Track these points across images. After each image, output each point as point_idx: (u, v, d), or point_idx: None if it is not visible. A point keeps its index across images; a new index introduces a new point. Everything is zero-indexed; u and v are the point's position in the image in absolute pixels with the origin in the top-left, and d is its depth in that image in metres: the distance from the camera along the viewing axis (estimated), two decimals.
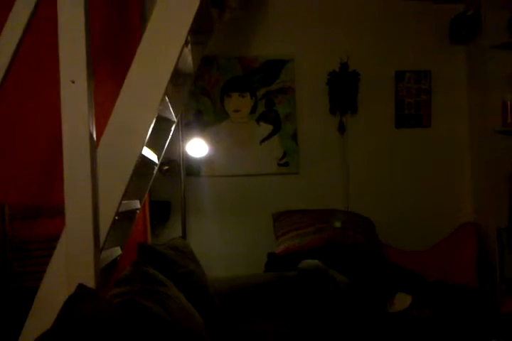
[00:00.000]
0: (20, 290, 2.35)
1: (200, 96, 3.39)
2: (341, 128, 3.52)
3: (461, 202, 3.62)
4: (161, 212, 3.21)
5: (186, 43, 2.01)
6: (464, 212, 3.59)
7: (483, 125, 3.44)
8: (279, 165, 3.48)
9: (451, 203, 3.62)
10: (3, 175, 2.50)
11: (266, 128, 3.47)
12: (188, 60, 2.46)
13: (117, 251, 1.99)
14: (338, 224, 3.05)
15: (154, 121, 1.61)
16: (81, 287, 1.17)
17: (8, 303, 2.32)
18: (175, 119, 2.59)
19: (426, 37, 3.60)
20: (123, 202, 1.58)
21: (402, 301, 2.65)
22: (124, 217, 1.98)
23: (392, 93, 3.59)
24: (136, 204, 2.20)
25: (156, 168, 2.45)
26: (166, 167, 3.17)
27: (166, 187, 3.23)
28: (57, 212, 1.84)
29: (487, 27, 3.35)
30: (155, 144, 2.34)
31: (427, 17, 3.59)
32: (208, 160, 3.37)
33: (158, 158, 2.44)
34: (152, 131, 1.63)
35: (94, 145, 1.49)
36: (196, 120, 3.39)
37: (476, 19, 3.40)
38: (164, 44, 1.56)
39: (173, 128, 2.60)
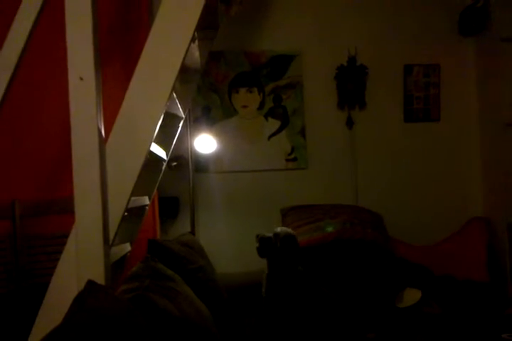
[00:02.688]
0: (30, 287, 2.37)
1: (207, 91, 3.40)
2: (349, 123, 3.51)
3: (470, 197, 3.60)
4: (169, 208, 3.22)
5: (193, 39, 2.00)
6: (473, 206, 3.57)
7: (493, 118, 3.42)
8: (288, 160, 3.47)
9: (461, 198, 3.60)
10: (13, 171, 2.52)
11: (274, 124, 3.46)
12: (196, 56, 2.45)
13: (127, 247, 1.99)
14: (330, 229, 3.03)
15: (162, 117, 1.61)
16: (90, 283, 1.17)
17: (19, 300, 2.34)
18: (183, 115, 2.59)
19: (435, 30, 3.57)
20: (132, 198, 1.59)
21: (412, 296, 2.64)
22: (133, 213, 1.98)
23: (401, 87, 3.57)
24: (145, 200, 2.21)
25: (165, 164, 2.45)
26: (175, 163, 3.18)
27: (174, 183, 3.23)
28: (67, 208, 1.85)
29: (497, 19, 3.32)
30: (163, 140, 2.35)
31: (436, 10, 3.56)
32: (216, 156, 3.38)
33: (167, 154, 2.44)
34: (160, 127, 1.63)
35: (102, 142, 1.50)
36: (204, 116, 3.39)
37: (486, 11, 3.37)
38: (171, 40, 1.56)
39: (181, 124, 2.60)
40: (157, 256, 1.98)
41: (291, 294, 2.39)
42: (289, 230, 2.61)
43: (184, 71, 2.30)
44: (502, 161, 3.32)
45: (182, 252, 2.25)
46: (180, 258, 2.18)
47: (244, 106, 3.45)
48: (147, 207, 2.24)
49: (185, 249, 2.32)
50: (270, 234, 2.55)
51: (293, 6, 3.47)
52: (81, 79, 1.44)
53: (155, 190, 2.41)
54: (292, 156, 3.47)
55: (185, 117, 2.72)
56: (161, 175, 2.41)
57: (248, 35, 3.47)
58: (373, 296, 2.63)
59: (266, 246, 2.49)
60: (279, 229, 2.59)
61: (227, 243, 3.32)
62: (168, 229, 3.25)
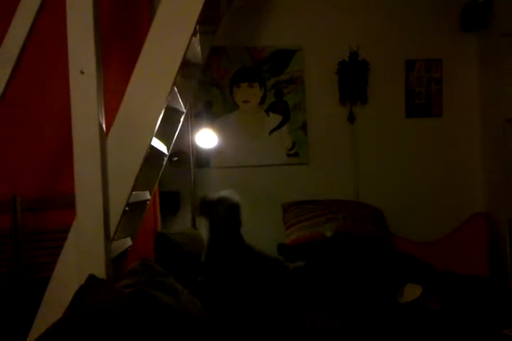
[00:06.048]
0: (32, 281, 2.37)
1: (209, 86, 3.39)
2: (351, 118, 3.50)
3: (472, 193, 3.59)
4: (170, 202, 3.22)
5: (195, 33, 1.99)
6: (475, 202, 3.56)
7: (494, 114, 3.41)
8: (289, 155, 3.47)
9: (463, 193, 3.59)
10: (15, 166, 2.51)
11: (275, 119, 3.46)
12: (197, 50, 2.44)
13: (128, 241, 1.99)
14: (328, 234, 3.03)
15: (163, 111, 1.60)
16: (91, 277, 1.18)
17: (20, 294, 2.35)
18: (184, 110, 2.58)
19: (437, 25, 3.56)
20: (133, 193, 1.58)
21: (412, 292, 2.64)
22: (134, 208, 1.98)
23: (403, 82, 3.56)
24: (146, 195, 2.20)
25: (166, 158, 2.45)
26: (176, 158, 3.17)
27: (175, 178, 3.23)
28: (68, 203, 1.85)
29: (499, 14, 3.30)
30: (164, 135, 2.34)
31: (438, 5, 3.54)
32: (217, 151, 3.37)
33: (168, 149, 2.44)
34: (161, 122, 1.62)
35: (103, 137, 1.49)
36: (205, 111, 3.38)
37: (488, 6, 3.35)
38: (173, 34, 1.55)
39: (182, 119, 2.60)
40: (163, 250, 1.99)
41: (230, 259, 2.39)
42: (233, 197, 2.60)
43: (185, 65, 2.29)
44: (503, 157, 3.32)
45: (188, 247, 2.25)
46: (186, 253, 2.19)
47: (246, 101, 3.44)
48: (148, 202, 2.24)
49: (190, 243, 2.33)
50: (213, 198, 2.55)
51: (295, 1, 3.46)
52: (82, 72, 1.44)
53: (156, 185, 2.41)
54: (293, 151, 3.47)
55: (187, 112, 2.71)
56: (162, 169, 2.41)
57: (250, 30, 3.45)
58: (374, 291, 2.62)
59: (205, 208, 2.50)
60: (223, 193, 2.58)
61: None
62: (169, 223, 3.25)
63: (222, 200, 2.54)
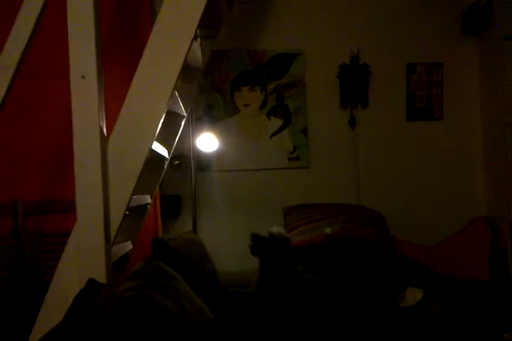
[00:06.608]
0: (33, 285, 2.37)
1: (210, 90, 3.39)
2: (352, 122, 3.50)
3: (473, 196, 3.59)
4: (171, 206, 3.22)
5: (195, 37, 2.00)
6: (476, 206, 3.56)
7: (495, 117, 3.41)
8: (290, 159, 3.47)
9: (463, 197, 3.59)
10: (16, 171, 2.52)
11: (276, 123, 3.46)
12: (198, 54, 2.45)
13: (128, 245, 1.99)
14: (328, 231, 3.03)
15: (164, 115, 1.61)
16: (92, 281, 1.17)
17: (21, 298, 2.35)
18: (185, 114, 2.59)
19: (438, 29, 3.56)
20: (134, 196, 1.58)
21: (413, 296, 2.64)
22: (135, 212, 1.98)
23: (404, 86, 3.56)
24: (147, 199, 2.20)
25: (167, 162, 2.45)
26: (177, 162, 3.18)
27: (176, 181, 3.24)
28: (69, 207, 1.85)
29: (500, 18, 3.31)
30: (165, 139, 2.35)
31: (439, 8, 3.55)
32: (218, 155, 3.38)
33: (169, 153, 2.44)
34: (162, 126, 1.63)
35: (104, 141, 1.50)
36: (206, 114, 3.39)
37: (489, 10, 3.36)
38: (173, 38, 1.56)
39: (183, 123, 2.60)
40: (160, 255, 1.98)
41: (285, 293, 2.37)
42: (283, 231, 2.58)
43: (186, 69, 2.30)
44: (505, 160, 3.31)
45: (185, 252, 2.25)
46: (183, 258, 2.18)
47: (247, 105, 3.44)
48: (149, 206, 2.24)
49: (188, 248, 2.32)
50: (265, 234, 2.52)
51: (295, 5, 3.47)
52: (83, 77, 1.44)
53: (157, 189, 2.41)
54: (294, 155, 3.47)
55: (187, 116, 2.72)
56: (162, 173, 2.41)
57: (251, 34, 3.47)
58: (375, 295, 2.62)
59: (259, 245, 2.47)
60: (274, 230, 2.56)
61: (229, 241, 3.32)
62: (170, 227, 3.25)
63: (274, 237, 2.49)
